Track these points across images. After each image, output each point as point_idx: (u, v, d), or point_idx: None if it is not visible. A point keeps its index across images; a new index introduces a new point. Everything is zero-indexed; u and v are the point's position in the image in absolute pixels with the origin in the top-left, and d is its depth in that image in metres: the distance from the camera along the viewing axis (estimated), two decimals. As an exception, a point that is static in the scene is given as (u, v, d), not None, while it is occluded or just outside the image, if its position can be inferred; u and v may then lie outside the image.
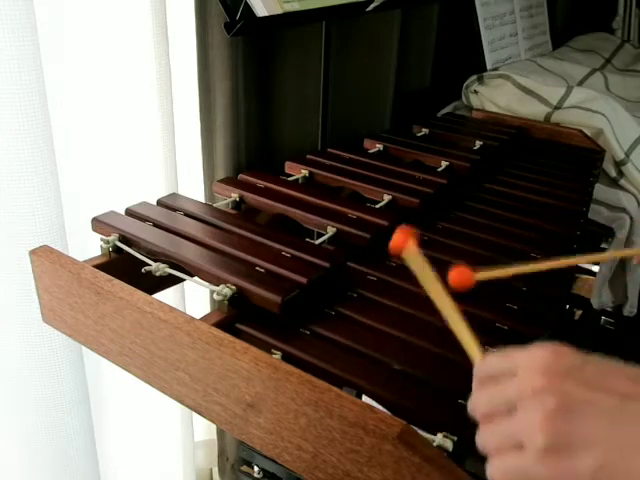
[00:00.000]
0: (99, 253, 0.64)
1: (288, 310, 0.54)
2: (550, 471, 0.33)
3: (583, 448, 0.33)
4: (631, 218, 1.06)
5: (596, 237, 1.05)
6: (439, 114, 1.32)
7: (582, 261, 0.62)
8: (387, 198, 0.79)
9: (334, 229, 0.69)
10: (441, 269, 0.67)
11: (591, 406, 0.33)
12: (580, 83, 1.39)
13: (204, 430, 1.26)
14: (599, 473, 0.32)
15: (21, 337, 0.76)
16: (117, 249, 0.63)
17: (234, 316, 0.56)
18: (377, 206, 0.77)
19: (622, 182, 1.16)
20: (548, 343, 0.36)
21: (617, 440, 0.33)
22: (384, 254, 0.69)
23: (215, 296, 0.55)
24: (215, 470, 1.29)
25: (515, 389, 0.36)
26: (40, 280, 0.60)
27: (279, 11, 0.83)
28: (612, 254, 0.62)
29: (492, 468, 0.36)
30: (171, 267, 0.60)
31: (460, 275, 0.51)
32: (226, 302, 0.55)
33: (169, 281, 0.62)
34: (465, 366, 0.52)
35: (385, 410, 0.44)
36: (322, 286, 0.58)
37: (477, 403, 0.39)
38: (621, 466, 0.32)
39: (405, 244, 0.48)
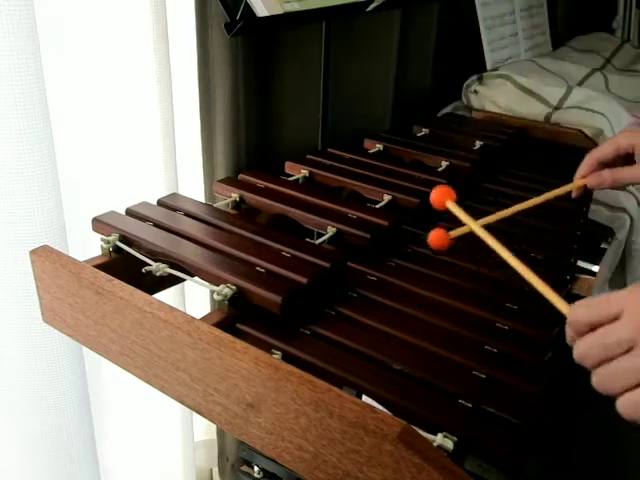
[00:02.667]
0: (99, 253, 0.64)
1: (288, 310, 0.54)
2: None
3: None
4: (631, 218, 1.06)
5: (596, 237, 1.05)
6: (439, 114, 1.32)
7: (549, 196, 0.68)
8: (387, 198, 0.79)
9: (334, 229, 0.69)
10: (442, 269, 0.67)
11: None
12: (580, 83, 1.39)
13: (204, 430, 1.26)
14: None
15: (21, 337, 0.76)
16: (117, 249, 0.63)
17: (234, 316, 0.56)
18: (377, 206, 0.77)
19: (622, 182, 1.15)
20: None
21: None
22: (384, 254, 0.70)
23: (215, 296, 0.55)
24: (215, 470, 1.28)
25: (630, 328, 0.37)
26: (40, 280, 0.60)
27: (279, 11, 0.83)
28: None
29: (623, 404, 0.38)
30: (171, 267, 0.60)
31: (437, 237, 0.57)
32: (226, 302, 0.55)
33: (169, 281, 0.62)
34: (465, 366, 0.52)
35: (385, 410, 0.44)
36: (322, 286, 0.58)
37: (586, 351, 0.40)
38: None
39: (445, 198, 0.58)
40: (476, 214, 0.81)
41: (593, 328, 0.40)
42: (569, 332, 0.41)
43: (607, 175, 0.67)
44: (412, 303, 0.60)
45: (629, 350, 0.37)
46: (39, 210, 0.71)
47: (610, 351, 0.38)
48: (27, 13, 0.64)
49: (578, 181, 0.69)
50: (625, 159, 0.67)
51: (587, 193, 0.70)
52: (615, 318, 0.38)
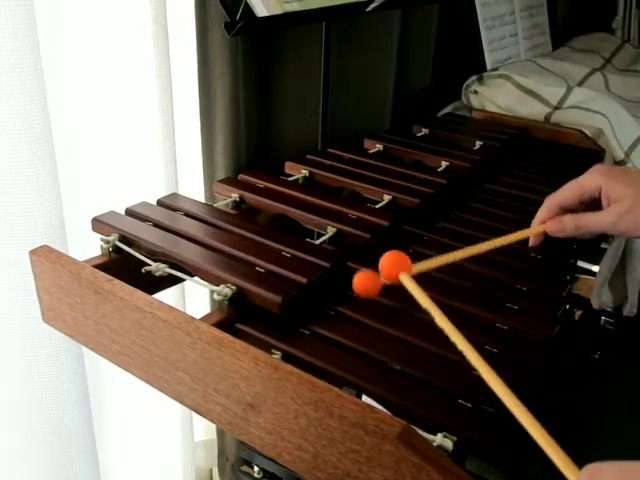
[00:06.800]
0: (99, 253, 0.64)
1: (288, 310, 0.54)
2: None
3: None
4: (631, 218, 1.06)
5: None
6: (439, 114, 1.32)
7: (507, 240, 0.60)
8: (387, 198, 0.79)
9: (334, 229, 0.69)
10: (441, 269, 0.67)
11: None
12: (580, 83, 1.39)
13: (204, 430, 1.26)
14: None
15: (21, 337, 0.76)
16: (117, 249, 0.63)
17: (234, 316, 0.56)
18: (377, 206, 0.77)
19: (622, 182, 1.15)
20: None
21: None
22: (383, 254, 0.69)
23: (215, 296, 0.55)
24: (215, 470, 1.29)
25: None
26: (40, 280, 0.60)
27: (279, 11, 0.83)
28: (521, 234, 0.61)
29: None
30: (171, 267, 0.60)
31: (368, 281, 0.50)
32: (226, 302, 0.55)
33: (169, 281, 0.62)
34: (464, 366, 0.52)
35: (385, 410, 0.44)
36: (322, 286, 0.58)
37: None
38: None
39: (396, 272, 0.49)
40: (476, 214, 0.81)
41: None
42: None
43: (569, 221, 0.60)
44: (412, 303, 0.60)
45: None
46: (39, 210, 0.71)
47: None
48: (27, 13, 0.64)
49: (537, 227, 0.62)
50: (591, 204, 0.60)
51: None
52: None
